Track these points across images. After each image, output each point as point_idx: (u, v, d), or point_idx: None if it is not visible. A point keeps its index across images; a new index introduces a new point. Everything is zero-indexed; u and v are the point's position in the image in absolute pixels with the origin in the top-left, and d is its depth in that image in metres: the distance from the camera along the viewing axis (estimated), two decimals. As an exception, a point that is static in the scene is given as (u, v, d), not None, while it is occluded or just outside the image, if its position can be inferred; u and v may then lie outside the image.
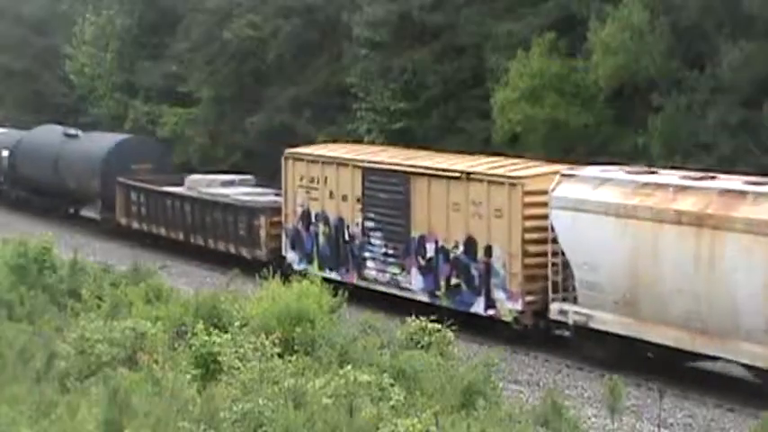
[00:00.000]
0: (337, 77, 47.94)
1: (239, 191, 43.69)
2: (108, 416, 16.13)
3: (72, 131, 53.55)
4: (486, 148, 41.46)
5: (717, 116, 34.00)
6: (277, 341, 21.57)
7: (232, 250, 40.59)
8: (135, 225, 45.95)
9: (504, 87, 38.98)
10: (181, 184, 45.38)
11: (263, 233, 39.41)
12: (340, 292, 26.81)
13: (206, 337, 20.62)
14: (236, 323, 22.80)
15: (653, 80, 36.00)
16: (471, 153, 42.44)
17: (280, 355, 21.36)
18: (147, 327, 22.06)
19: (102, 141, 51.14)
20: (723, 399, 25.45)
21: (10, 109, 70.74)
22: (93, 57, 62.84)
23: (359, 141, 46.01)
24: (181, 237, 43.39)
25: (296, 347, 23.09)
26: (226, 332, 21.77)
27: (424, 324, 24.51)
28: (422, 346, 23.82)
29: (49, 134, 55.23)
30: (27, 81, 69.43)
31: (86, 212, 53.46)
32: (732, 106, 33.87)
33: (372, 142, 45.41)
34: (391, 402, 18.81)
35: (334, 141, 43.50)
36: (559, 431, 19.13)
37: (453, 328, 24.94)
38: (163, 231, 44.47)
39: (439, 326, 24.50)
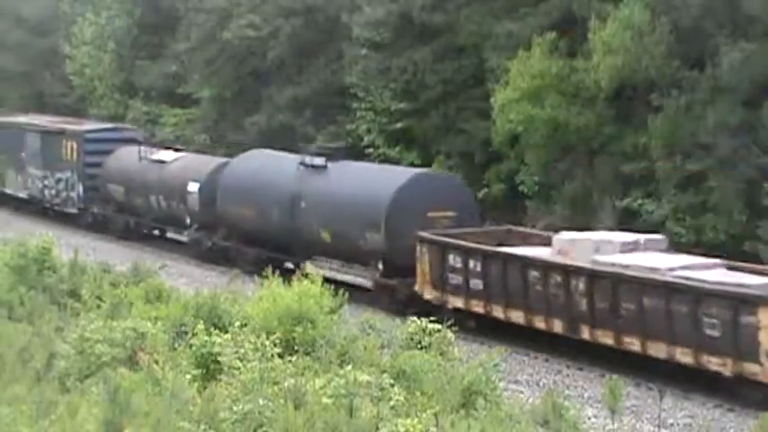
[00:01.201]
0: (337, 77, 47.96)
1: (657, 259, 28.52)
2: (108, 416, 16.12)
3: (317, 161, 37.29)
4: (486, 147, 41.56)
5: (717, 116, 34.00)
6: (277, 341, 21.56)
7: (688, 359, 26.42)
8: (455, 302, 31.44)
9: (505, 87, 39.00)
10: (531, 242, 32.43)
11: (764, 338, 24.93)
12: (340, 291, 26.79)
13: (206, 338, 20.61)
14: (237, 323, 22.77)
15: (653, 80, 36.01)
16: (471, 153, 42.60)
17: (280, 356, 21.35)
18: (148, 327, 22.04)
19: (379, 177, 35.92)
20: (723, 399, 25.44)
21: (11, 109, 70.71)
22: (93, 57, 62.88)
23: (359, 141, 46.07)
24: (560, 328, 29.19)
25: (296, 347, 23.09)
26: (226, 332, 21.75)
27: (424, 324, 24.51)
28: (422, 347, 23.82)
29: (275, 163, 39.54)
30: (27, 81, 69.46)
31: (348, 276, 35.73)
32: (732, 106, 33.87)
33: (373, 142, 45.48)
34: (391, 402, 18.80)
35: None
36: (559, 431, 19.12)
37: (453, 328, 24.95)
38: (519, 316, 30.05)
39: (439, 326, 24.50)
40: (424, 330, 24.36)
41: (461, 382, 20.55)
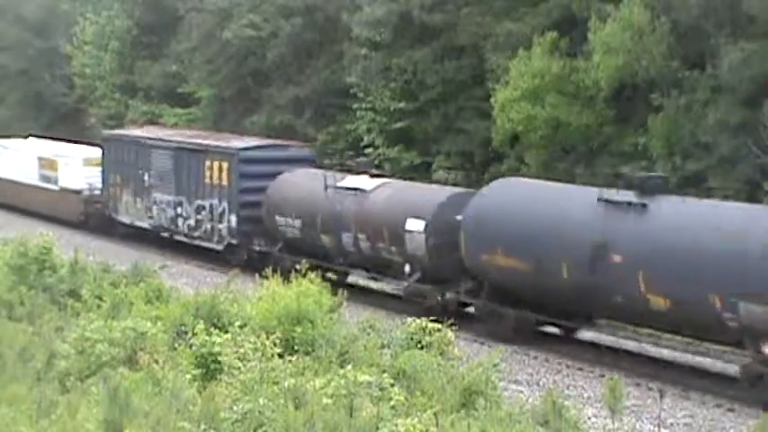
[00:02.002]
0: (337, 77, 47.99)
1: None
2: (108, 416, 16.11)
3: (628, 197, 27.67)
4: (487, 147, 41.58)
5: (717, 116, 34.02)
6: (277, 341, 21.56)
7: None
8: None
9: (505, 87, 39.02)
10: None
11: None
12: (340, 291, 26.78)
13: (206, 337, 20.60)
14: (237, 323, 22.78)
15: (653, 80, 36.04)
16: (471, 153, 42.62)
17: (280, 355, 21.35)
18: (148, 327, 22.05)
19: (736, 219, 25.81)
20: (723, 399, 25.45)
21: (11, 109, 70.78)
22: (94, 57, 62.90)
23: (359, 141, 46.11)
24: None
25: (296, 347, 23.09)
26: (226, 332, 21.74)
27: (424, 324, 24.51)
28: (422, 346, 23.82)
29: (554, 197, 29.97)
30: (27, 81, 69.48)
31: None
32: (732, 106, 33.89)
33: (373, 142, 45.49)
34: (391, 402, 18.80)
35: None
36: (559, 431, 19.12)
37: (454, 328, 24.96)
38: None
39: (439, 326, 24.51)
40: (424, 330, 24.36)
41: (461, 382, 20.56)
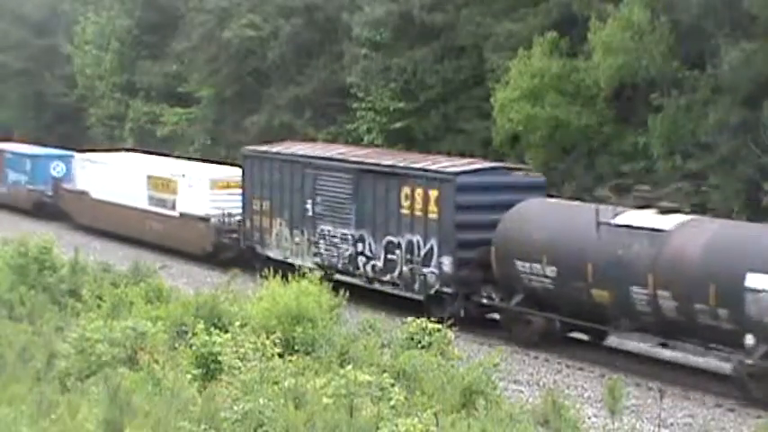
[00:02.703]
0: (337, 77, 47.97)
1: None
2: (108, 416, 16.11)
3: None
4: (486, 147, 41.57)
5: (717, 116, 34.02)
6: (277, 341, 21.58)
7: None
8: None
9: (505, 87, 39.02)
10: None
11: None
12: (340, 291, 26.79)
13: (206, 337, 20.61)
14: (237, 323, 22.80)
15: (653, 80, 36.03)
16: (471, 153, 42.55)
17: (280, 355, 21.37)
18: (148, 326, 22.06)
19: None
20: (723, 399, 25.44)
21: (11, 109, 70.76)
22: (94, 57, 62.88)
23: (359, 141, 46.06)
24: None
25: (296, 347, 23.11)
26: (226, 332, 21.76)
27: (424, 324, 24.52)
28: (422, 346, 23.82)
29: None
30: (27, 81, 69.45)
31: None
32: (732, 106, 33.89)
33: (373, 142, 45.46)
34: (391, 402, 18.81)
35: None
36: (559, 431, 19.12)
37: (454, 328, 24.96)
38: None
39: (439, 326, 24.51)
40: (424, 330, 24.37)
41: (461, 382, 20.57)
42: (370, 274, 33.43)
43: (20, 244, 30.24)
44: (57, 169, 52.11)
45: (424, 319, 24.68)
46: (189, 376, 19.88)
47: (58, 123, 66.71)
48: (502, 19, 41.20)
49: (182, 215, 42.42)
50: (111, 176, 47.10)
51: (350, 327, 25.57)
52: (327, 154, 36.12)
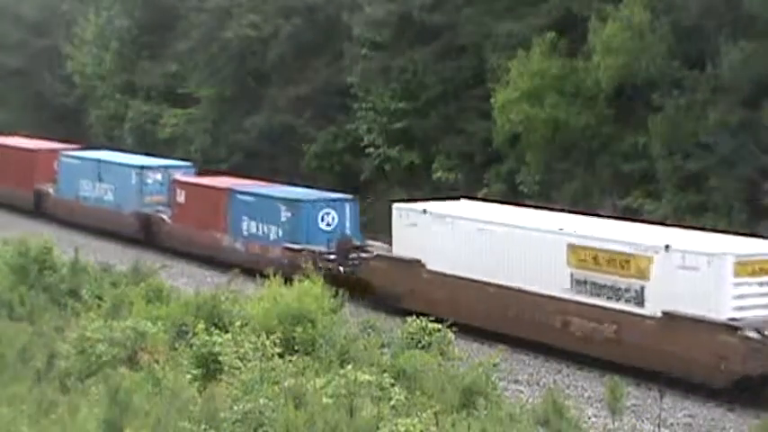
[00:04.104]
0: (337, 77, 47.97)
1: None
2: (108, 416, 16.14)
3: None
4: (486, 147, 41.59)
5: (717, 116, 34.01)
6: (277, 341, 21.58)
7: None
8: None
9: (505, 87, 39.01)
10: None
11: None
12: (340, 291, 26.78)
13: (207, 337, 20.63)
14: (237, 323, 22.80)
15: (653, 80, 36.01)
16: (471, 153, 42.58)
17: (280, 355, 21.37)
18: (148, 326, 22.08)
19: None
20: (723, 399, 25.43)
21: (11, 109, 70.76)
22: (94, 57, 62.88)
23: (359, 141, 46.07)
24: None
25: (296, 347, 23.10)
26: (226, 332, 21.78)
27: (424, 324, 24.52)
28: (422, 346, 23.82)
29: None
30: (27, 81, 69.45)
31: None
32: (732, 106, 33.88)
33: (373, 142, 45.46)
34: (391, 402, 18.82)
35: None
36: (560, 431, 19.13)
37: (453, 328, 24.96)
38: None
39: (439, 326, 24.51)
40: (424, 330, 24.37)
41: (461, 382, 20.57)
42: None
43: (20, 244, 30.24)
44: (327, 219, 37.45)
45: (423, 319, 24.70)
46: (189, 376, 19.89)
47: (58, 123, 66.69)
48: (502, 19, 41.18)
49: (668, 317, 26.21)
50: (479, 240, 30.97)
51: (350, 327, 25.57)
52: None
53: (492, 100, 39.69)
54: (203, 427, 16.78)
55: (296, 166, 47.77)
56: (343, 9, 47.20)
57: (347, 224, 37.09)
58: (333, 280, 28.84)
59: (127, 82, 61.26)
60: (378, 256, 34.72)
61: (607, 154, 38.07)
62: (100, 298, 26.71)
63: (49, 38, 67.97)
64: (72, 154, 51.09)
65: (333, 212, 37.18)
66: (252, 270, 31.95)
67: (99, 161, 48.42)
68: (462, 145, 42.82)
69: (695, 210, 34.89)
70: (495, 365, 21.85)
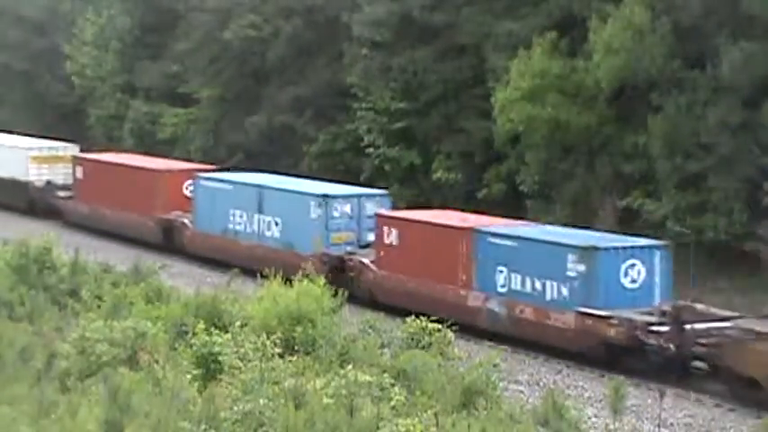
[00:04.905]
0: (337, 77, 47.97)
1: None
2: (108, 416, 16.11)
3: None
4: (486, 147, 41.57)
5: (717, 116, 34.01)
6: (277, 341, 21.58)
7: None
8: None
9: (505, 87, 38.99)
10: None
11: None
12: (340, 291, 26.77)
13: (206, 337, 20.62)
14: (237, 323, 22.80)
15: (653, 80, 36.02)
16: (471, 153, 42.55)
17: (280, 356, 21.37)
18: (148, 326, 22.05)
19: None
20: (723, 399, 25.44)
21: (11, 109, 70.77)
22: (94, 57, 62.87)
23: (359, 141, 46.06)
24: None
25: (296, 347, 23.10)
26: (226, 332, 21.77)
27: (424, 324, 24.52)
28: (422, 346, 23.83)
29: None
30: (27, 81, 69.44)
31: None
32: (732, 106, 33.88)
33: (373, 142, 45.46)
34: (392, 402, 18.81)
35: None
36: (560, 431, 19.13)
37: (454, 328, 24.96)
38: None
39: (439, 326, 24.51)
40: (423, 330, 24.37)
41: (461, 382, 20.57)
42: None
43: (20, 244, 30.23)
44: (632, 274, 29.21)
45: (423, 319, 24.69)
46: (189, 376, 19.89)
47: (58, 123, 66.67)
48: (502, 19, 41.16)
49: None
50: None
51: (350, 327, 25.57)
52: None
53: (492, 100, 39.68)
54: (203, 427, 16.77)
55: (296, 167, 47.77)
56: (343, 9, 47.19)
57: (657, 279, 29.02)
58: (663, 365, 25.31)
59: (127, 82, 61.25)
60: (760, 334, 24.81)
61: (607, 154, 38.06)
62: (100, 298, 26.69)
63: (50, 38, 67.94)
64: (215, 176, 42.43)
65: (638, 264, 29.05)
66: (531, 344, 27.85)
67: (260, 187, 39.57)
68: (462, 145, 42.82)
69: (695, 210, 34.90)
70: (495, 365, 21.85)
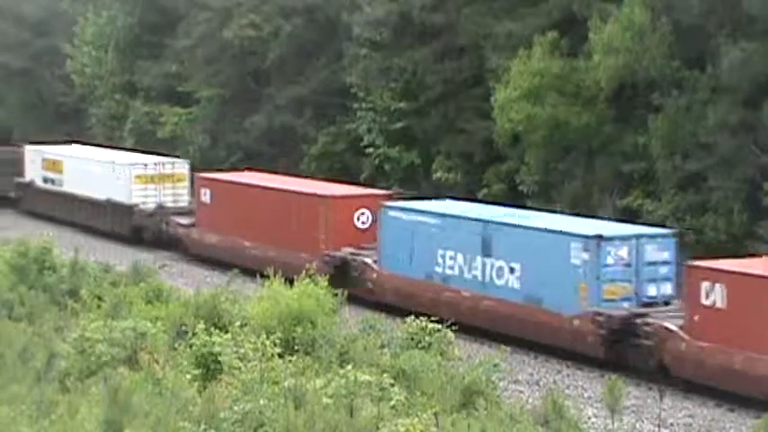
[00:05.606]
0: (337, 77, 47.98)
1: None
2: (108, 416, 16.11)
3: None
4: (486, 148, 41.56)
5: (717, 116, 34.00)
6: (277, 341, 21.58)
7: None
8: None
9: (505, 87, 38.99)
10: None
11: None
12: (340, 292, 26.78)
13: (206, 337, 20.62)
14: (237, 323, 22.80)
15: (653, 80, 36.02)
16: (471, 153, 42.54)
17: (280, 355, 21.37)
18: (148, 327, 22.05)
19: None
20: (723, 399, 25.45)
21: (11, 109, 70.75)
22: (94, 57, 62.86)
23: (359, 141, 46.05)
24: None
25: (296, 347, 23.10)
26: (226, 332, 21.77)
27: (424, 324, 24.51)
28: (422, 346, 23.82)
29: None
30: (27, 81, 69.43)
31: None
32: (732, 106, 33.87)
33: (373, 142, 45.46)
34: (391, 402, 18.81)
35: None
36: (560, 431, 19.13)
37: (453, 328, 24.96)
38: None
39: (439, 326, 24.51)
40: (423, 330, 24.37)
41: (461, 382, 20.57)
42: None
43: (20, 244, 30.23)
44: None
45: (423, 320, 24.69)
46: (189, 376, 19.89)
47: (58, 123, 66.70)
48: (502, 19, 41.16)
49: None
50: None
51: (350, 327, 25.57)
52: None
53: (492, 100, 39.67)
54: (203, 427, 16.76)
55: (296, 167, 47.78)
56: (343, 9, 47.19)
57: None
58: None
59: (127, 82, 61.26)
60: None
61: (607, 154, 38.06)
62: (100, 298, 26.70)
63: (50, 38, 67.94)
64: (409, 207, 34.61)
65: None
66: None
67: (485, 222, 31.34)
68: (462, 145, 42.81)
69: (695, 210, 34.90)
70: (495, 365, 21.85)
